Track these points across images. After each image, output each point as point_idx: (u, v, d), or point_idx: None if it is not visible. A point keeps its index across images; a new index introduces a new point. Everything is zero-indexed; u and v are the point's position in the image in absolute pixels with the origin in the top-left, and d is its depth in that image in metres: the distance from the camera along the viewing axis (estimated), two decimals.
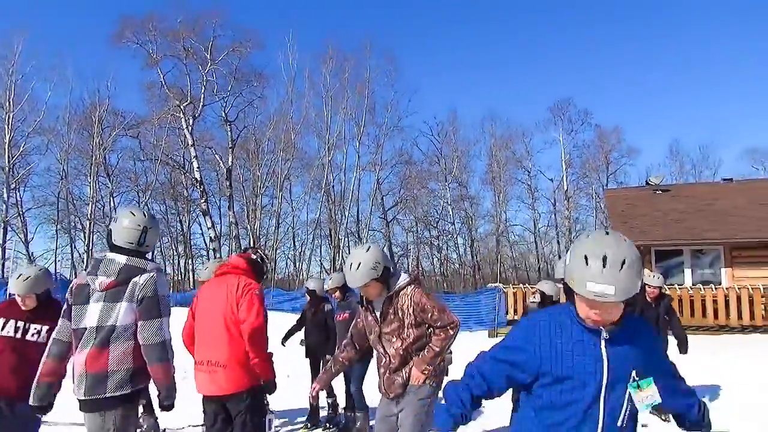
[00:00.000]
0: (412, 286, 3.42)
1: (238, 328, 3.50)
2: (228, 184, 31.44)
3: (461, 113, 76.37)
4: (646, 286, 6.72)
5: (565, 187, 42.62)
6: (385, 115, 36.66)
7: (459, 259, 43.04)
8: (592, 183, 43.01)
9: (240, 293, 3.55)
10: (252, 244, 31.26)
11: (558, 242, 43.99)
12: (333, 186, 36.95)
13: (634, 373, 1.90)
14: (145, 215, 3.17)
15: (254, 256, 3.90)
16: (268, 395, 3.71)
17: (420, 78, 68.07)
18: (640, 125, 65.73)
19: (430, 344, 3.32)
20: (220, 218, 39.22)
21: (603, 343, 1.90)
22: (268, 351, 3.59)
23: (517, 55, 66.57)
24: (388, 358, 3.40)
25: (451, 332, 3.37)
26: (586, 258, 1.80)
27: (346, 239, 37.57)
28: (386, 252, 3.44)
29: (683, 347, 6.72)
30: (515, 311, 15.38)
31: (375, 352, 3.61)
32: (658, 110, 64.43)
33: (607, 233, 1.90)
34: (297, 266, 38.54)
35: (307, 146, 38.53)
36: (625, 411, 1.91)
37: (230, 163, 31.32)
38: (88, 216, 31.00)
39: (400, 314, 3.31)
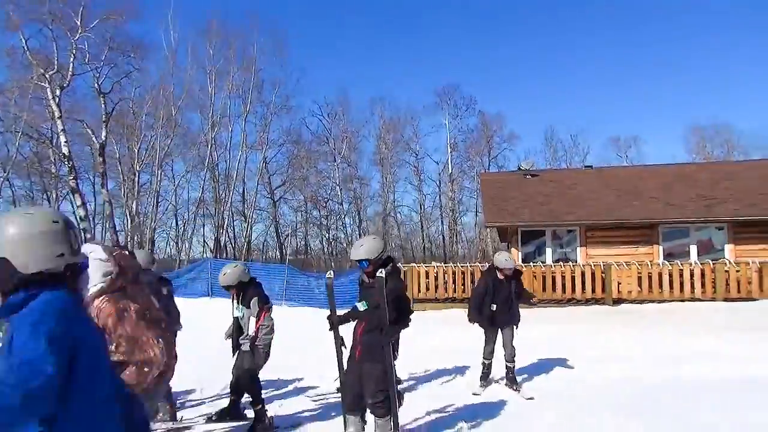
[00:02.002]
0: (105, 297, 2.56)
1: None
2: (101, 160, 29.54)
3: (351, 94, 76.78)
4: (496, 268, 6.97)
5: (450, 170, 44.36)
6: (272, 93, 36.10)
7: (347, 239, 43.60)
8: (475, 166, 45.02)
9: None
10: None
11: (442, 222, 45.84)
12: (218, 164, 36.02)
13: None
14: None
15: None
16: None
17: (309, 57, 67.42)
18: (521, 112, 69.76)
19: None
20: (94, 196, 37.02)
21: None
22: None
23: (406, 38, 67.93)
24: None
25: (146, 370, 2.52)
26: None
27: (231, 219, 36.83)
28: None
29: (527, 299, 7.34)
30: None
31: None
32: (536, 99, 68.62)
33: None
34: (179, 246, 37.25)
35: (189, 122, 37.14)
36: None
37: (104, 138, 29.40)
38: None
39: None
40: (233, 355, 5.72)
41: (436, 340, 10.50)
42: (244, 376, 5.51)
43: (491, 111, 57.15)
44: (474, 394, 6.69)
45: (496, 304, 6.83)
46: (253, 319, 5.48)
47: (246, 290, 5.57)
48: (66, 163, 27.23)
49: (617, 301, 14.55)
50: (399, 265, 6.65)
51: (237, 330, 5.68)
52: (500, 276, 6.90)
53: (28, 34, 27.72)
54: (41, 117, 29.85)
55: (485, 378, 7.02)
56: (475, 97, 52.19)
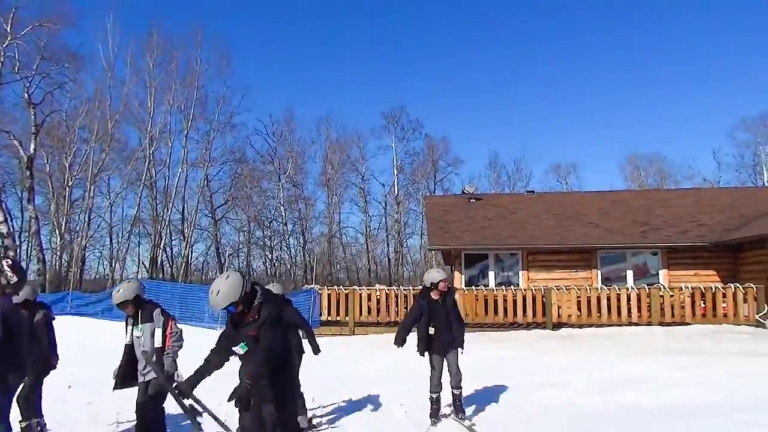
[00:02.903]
0: None
1: None
2: (29, 173, 27.96)
3: (298, 114, 76.21)
4: (430, 288, 6.47)
5: (396, 192, 44.48)
6: (216, 110, 35.30)
7: (291, 259, 42.81)
8: (421, 189, 45.26)
9: None
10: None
11: (388, 245, 45.68)
12: (156, 181, 34.74)
13: None
14: None
15: None
16: None
17: (255, 74, 66.76)
18: (466, 137, 71.00)
19: None
20: (22, 212, 34.99)
21: None
22: None
23: (353, 58, 68.34)
24: None
25: None
26: None
27: (169, 237, 35.50)
28: None
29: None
30: (329, 312, 15.63)
31: None
32: (481, 124, 70.19)
33: None
34: (113, 266, 35.58)
35: (127, 137, 35.80)
36: None
37: (32, 151, 27.89)
38: None
39: None
40: (114, 388, 5.16)
41: (376, 364, 10.18)
42: (150, 405, 4.97)
43: (437, 135, 57.79)
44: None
45: (435, 327, 6.31)
46: (158, 331, 4.97)
47: (143, 306, 5.11)
48: None
49: (557, 326, 14.61)
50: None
51: (130, 361, 5.13)
52: (434, 296, 6.43)
53: None
54: None
55: (435, 415, 6.41)
56: (422, 121, 52.78)
